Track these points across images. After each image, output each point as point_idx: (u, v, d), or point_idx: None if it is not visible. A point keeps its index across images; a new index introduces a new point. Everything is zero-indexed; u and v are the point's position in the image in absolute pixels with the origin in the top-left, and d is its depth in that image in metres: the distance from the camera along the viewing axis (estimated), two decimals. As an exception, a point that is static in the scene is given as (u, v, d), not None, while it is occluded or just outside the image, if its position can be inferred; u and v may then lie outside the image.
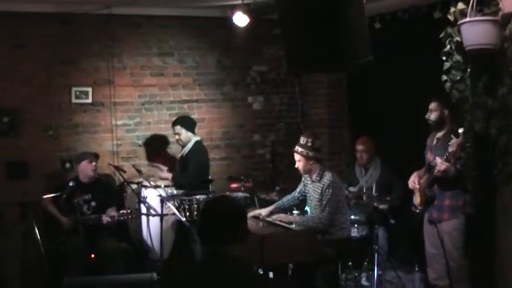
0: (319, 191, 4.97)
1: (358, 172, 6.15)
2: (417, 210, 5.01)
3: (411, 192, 5.09)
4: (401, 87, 6.08)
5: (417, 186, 4.95)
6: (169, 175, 6.22)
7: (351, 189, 5.84)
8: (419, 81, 5.61)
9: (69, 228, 5.67)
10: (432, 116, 4.87)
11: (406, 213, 5.22)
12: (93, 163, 5.93)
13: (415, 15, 5.74)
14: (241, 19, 6.15)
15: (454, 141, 4.48)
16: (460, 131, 4.42)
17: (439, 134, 4.89)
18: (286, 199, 5.42)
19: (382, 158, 6.12)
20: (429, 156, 4.97)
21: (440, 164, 4.60)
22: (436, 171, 4.67)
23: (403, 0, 5.84)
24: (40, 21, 6.23)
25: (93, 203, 5.86)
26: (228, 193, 6.11)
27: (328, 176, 4.97)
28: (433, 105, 4.86)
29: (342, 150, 7.42)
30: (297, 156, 5.07)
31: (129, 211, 5.74)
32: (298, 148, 5.05)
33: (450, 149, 4.50)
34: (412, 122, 5.21)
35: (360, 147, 6.10)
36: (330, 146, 7.29)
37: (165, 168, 6.34)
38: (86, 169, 5.89)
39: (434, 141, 4.95)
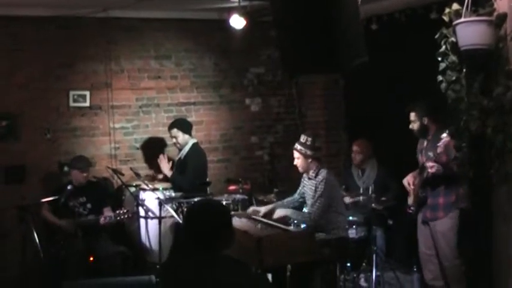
0: (314, 188, 5.02)
1: (356, 174, 6.20)
2: (410, 211, 5.05)
3: (407, 193, 5.11)
4: (398, 87, 6.10)
5: (412, 187, 4.98)
6: (170, 172, 6.20)
7: (347, 199, 5.84)
8: (416, 82, 5.62)
9: (68, 232, 5.68)
10: (415, 126, 4.98)
11: (404, 214, 5.24)
12: (84, 174, 5.89)
13: (411, 16, 5.76)
14: (237, 21, 6.15)
15: (441, 143, 4.52)
16: (444, 135, 4.45)
17: (426, 140, 4.94)
18: (286, 200, 5.45)
19: (379, 159, 6.15)
20: (421, 158, 5.01)
21: (430, 166, 4.68)
22: (427, 172, 4.76)
23: (399, 1, 5.86)
24: (37, 25, 6.25)
25: (88, 205, 5.86)
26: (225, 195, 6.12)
27: (323, 174, 5.01)
28: (412, 116, 4.98)
29: (339, 151, 7.40)
30: (295, 154, 5.13)
31: (125, 210, 5.72)
32: (297, 146, 5.11)
33: (438, 150, 4.55)
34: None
35: (354, 148, 6.20)
36: (327, 147, 7.27)
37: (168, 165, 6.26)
38: (76, 176, 5.88)
39: (424, 143, 5.00)
